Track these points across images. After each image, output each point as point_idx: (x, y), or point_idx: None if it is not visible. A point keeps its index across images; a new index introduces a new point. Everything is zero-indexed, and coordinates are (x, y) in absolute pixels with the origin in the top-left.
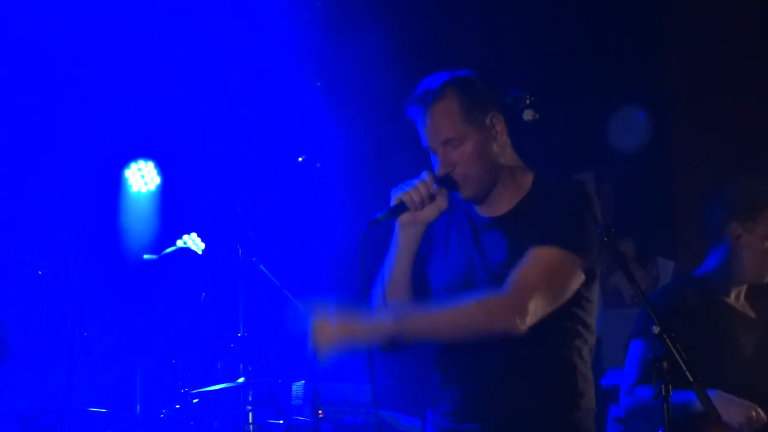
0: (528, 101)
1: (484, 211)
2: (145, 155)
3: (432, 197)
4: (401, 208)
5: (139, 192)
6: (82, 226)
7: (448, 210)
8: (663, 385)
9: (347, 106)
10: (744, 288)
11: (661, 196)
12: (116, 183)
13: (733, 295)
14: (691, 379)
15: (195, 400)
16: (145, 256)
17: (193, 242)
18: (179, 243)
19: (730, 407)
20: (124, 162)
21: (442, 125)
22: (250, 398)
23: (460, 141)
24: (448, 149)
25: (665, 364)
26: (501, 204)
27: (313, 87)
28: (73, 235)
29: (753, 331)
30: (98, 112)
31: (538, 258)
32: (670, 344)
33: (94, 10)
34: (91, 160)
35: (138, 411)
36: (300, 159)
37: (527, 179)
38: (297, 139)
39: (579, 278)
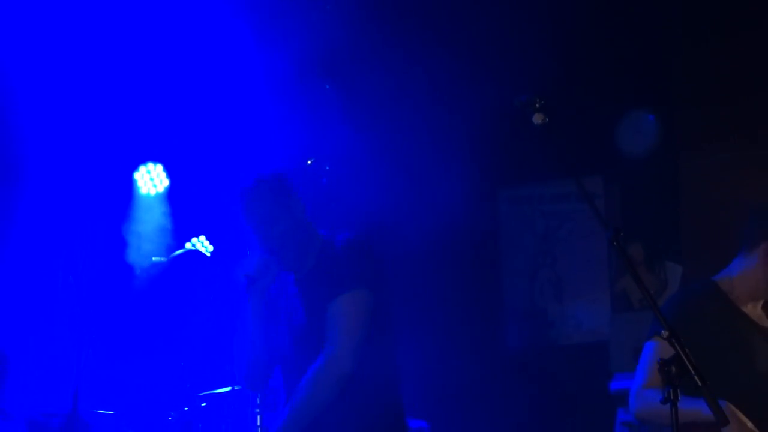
0: (538, 105)
1: None
2: (154, 158)
3: None
4: None
5: (148, 195)
6: (91, 228)
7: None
8: (671, 390)
9: (358, 109)
10: (761, 301)
11: (670, 200)
12: (126, 186)
13: (749, 306)
14: (700, 384)
15: (203, 404)
16: (154, 259)
17: (202, 245)
18: (188, 245)
19: (732, 422)
20: (134, 165)
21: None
22: (258, 401)
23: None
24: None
25: (674, 369)
26: None
27: (322, 90)
28: (83, 237)
29: None
30: (108, 116)
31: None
32: (678, 349)
33: (104, 15)
34: (101, 163)
35: (146, 413)
36: (309, 162)
37: None
38: (306, 141)
39: None
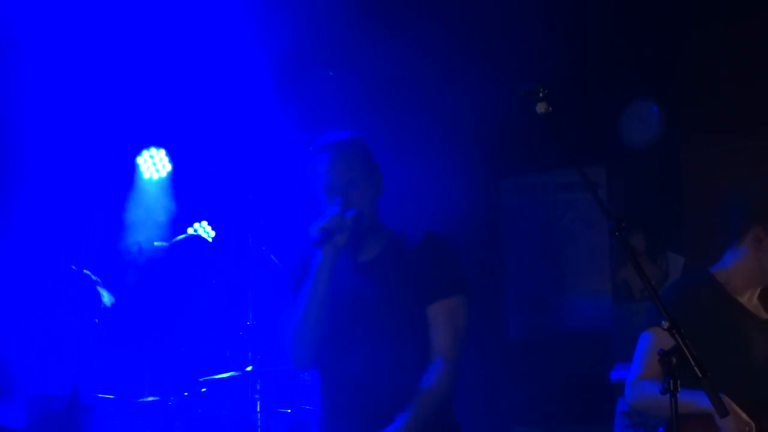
0: (541, 94)
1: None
2: (157, 143)
3: None
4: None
5: (150, 179)
6: (93, 213)
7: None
8: (671, 381)
9: (360, 99)
10: (758, 290)
11: (673, 191)
12: (128, 170)
13: (746, 296)
14: (700, 375)
15: (203, 389)
16: (156, 243)
17: (204, 230)
18: (190, 230)
19: (731, 417)
20: (136, 149)
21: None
22: (258, 387)
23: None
24: None
25: (674, 360)
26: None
27: (325, 76)
28: (85, 221)
29: (765, 332)
30: (111, 101)
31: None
32: (679, 339)
33: (106, 1)
34: (104, 147)
35: (146, 398)
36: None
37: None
38: (309, 127)
39: None
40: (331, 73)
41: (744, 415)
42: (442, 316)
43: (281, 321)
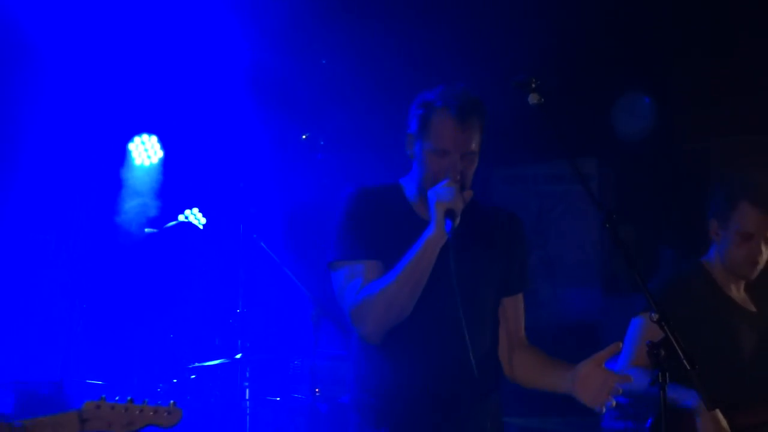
0: (534, 85)
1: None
2: (149, 129)
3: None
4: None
5: (142, 165)
6: (85, 199)
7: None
8: (660, 372)
9: (350, 89)
10: (742, 282)
11: (664, 183)
12: (120, 156)
13: (733, 288)
14: (689, 367)
15: (192, 376)
16: (147, 230)
17: (195, 217)
18: (181, 217)
19: (709, 420)
20: (128, 135)
21: (471, 138)
22: (247, 374)
23: (474, 157)
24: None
25: (663, 351)
26: None
27: (318, 65)
28: (76, 208)
29: (753, 325)
30: (103, 87)
31: None
32: (668, 332)
33: None
34: (96, 133)
35: (135, 384)
36: (304, 137)
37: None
38: (301, 117)
39: None
40: (324, 62)
41: (724, 423)
42: (521, 306)
43: (355, 289)
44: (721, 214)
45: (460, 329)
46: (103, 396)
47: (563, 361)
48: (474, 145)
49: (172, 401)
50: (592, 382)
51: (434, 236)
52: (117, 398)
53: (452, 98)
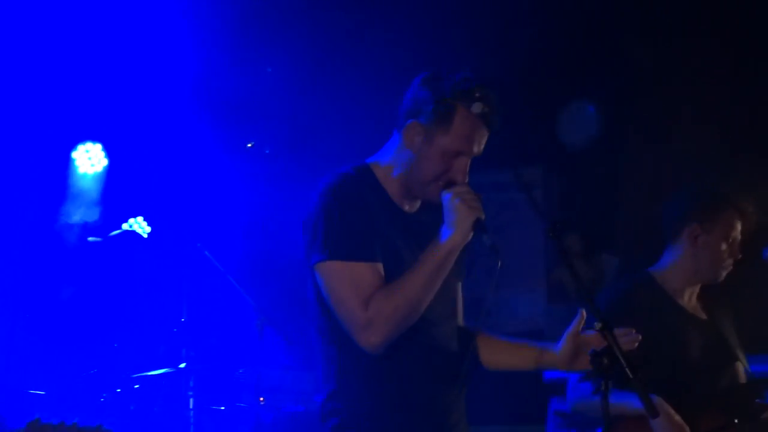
0: (478, 94)
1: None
2: (93, 137)
3: None
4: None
5: (86, 174)
6: (27, 207)
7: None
8: (603, 381)
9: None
10: (697, 289)
11: (608, 192)
12: (64, 164)
13: (686, 296)
14: (631, 376)
15: (136, 385)
16: (90, 239)
17: (139, 226)
18: (125, 226)
19: (663, 419)
20: (72, 144)
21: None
22: (191, 383)
23: None
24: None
25: (605, 360)
26: None
27: (264, 73)
28: (17, 216)
29: (703, 333)
30: (46, 94)
31: None
32: (610, 340)
33: None
34: (39, 141)
35: (78, 394)
36: (249, 145)
37: None
38: (246, 126)
39: None
40: (269, 70)
41: (678, 417)
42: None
43: (362, 295)
44: (704, 217)
45: (455, 331)
46: (38, 417)
47: (519, 341)
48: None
49: (99, 424)
50: (575, 350)
51: (458, 242)
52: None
53: (486, 96)
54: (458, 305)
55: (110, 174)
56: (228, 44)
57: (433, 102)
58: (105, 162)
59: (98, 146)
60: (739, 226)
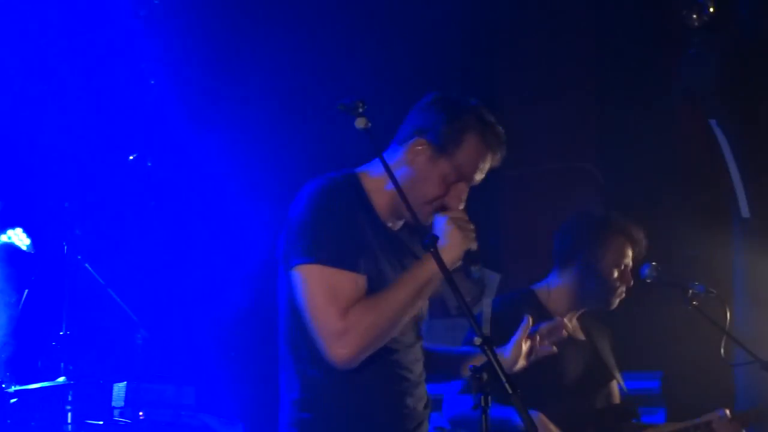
0: (361, 109)
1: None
2: None
3: None
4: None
5: None
6: None
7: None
8: (482, 397)
9: (183, 104)
10: (578, 313)
11: (490, 207)
12: None
13: (566, 317)
14: (510, 392)
15: (13, 400)
16: None
17: (18, 238)
18: (3, 238)
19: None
20: None
21: None
22: (69, 398)
23: None
24: None
25: (485, 376)
26: None
27: (147, 85)
28: None
29: (582, 353)
30: None
31: None
32: (490, 356)
33: None
34: None
35: None
36: (131, 157)
37: None
38: (129, 136)
39: None
40: (152, 82)
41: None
42: None
43: (335, 310)
44: (596, 244)
45: (420, 352)
46: None
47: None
48: None
49: None
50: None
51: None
52: None
53: (497, 126)
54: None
55: None
56: (110, 51)
57: (446, 123)
58: None
59: None
60: (630, 253)
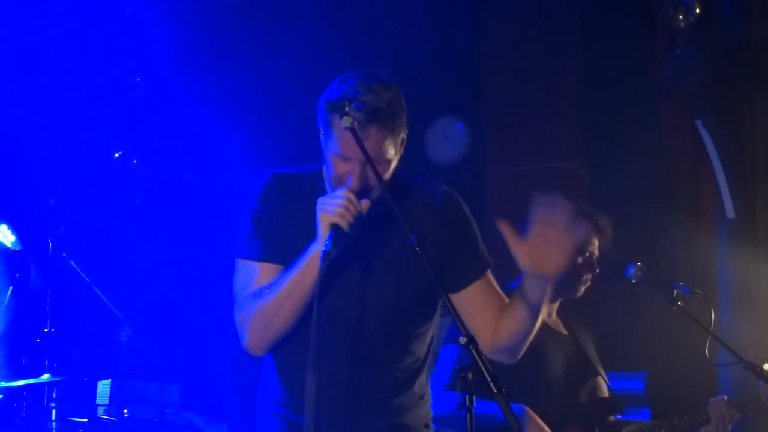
0: (347, 108)
1: None
2: None
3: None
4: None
5: None
6: None
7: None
8: (467, 396)
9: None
10: (557, 305)
11: (476, 209)
12: None
13: (545, 311)
14: (495, 391)
15: None
16: None
17: (3, 234)
18: None
19: (530, 427)
20: None
21: (379, 144)
22: (54, 395)
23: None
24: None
25: (470, 375)
26: None
27: (133, 83)
28: None
29: (564, 348)
30: None
31: None
32: (475, 354)
33: None
34: None
35: None
36: (117, 155)
37: None
38: (115, 133)
39: None
40: (138, 79)
41: (546, 428)
42: (493, 283)
43: (242, 295)
44: None
45: (365, 344)
46: None
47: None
48: (383, 151)
49: None
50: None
51: (313, 249)
52: None
53: (356, 98)
54: (408, 324)
55: None
56: (95, 47)
57: (319, 107)
58: None
59: None
60: (595, 241)
